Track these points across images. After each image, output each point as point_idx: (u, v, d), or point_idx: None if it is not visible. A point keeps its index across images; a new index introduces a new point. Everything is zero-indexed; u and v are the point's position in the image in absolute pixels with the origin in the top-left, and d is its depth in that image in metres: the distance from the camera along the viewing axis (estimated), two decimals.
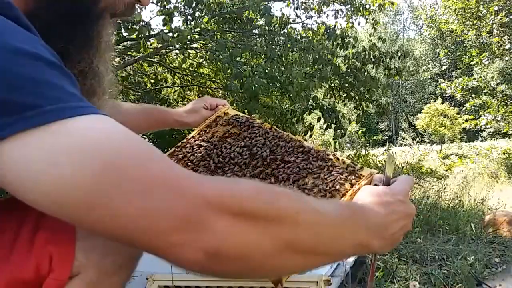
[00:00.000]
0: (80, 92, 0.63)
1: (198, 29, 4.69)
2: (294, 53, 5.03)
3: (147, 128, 1.23)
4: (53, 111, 0.42)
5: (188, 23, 5.10)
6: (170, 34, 4.95)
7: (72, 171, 0.41)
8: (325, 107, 5.27)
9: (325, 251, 0.54)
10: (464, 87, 11.85)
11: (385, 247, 0.63)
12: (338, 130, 5.29)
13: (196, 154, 0.96)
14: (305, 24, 6.16)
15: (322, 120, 5.37)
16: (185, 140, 1.04)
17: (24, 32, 0.46)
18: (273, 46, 4.69)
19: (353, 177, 0.80)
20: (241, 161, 0.90)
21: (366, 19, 6.17)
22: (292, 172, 0.84)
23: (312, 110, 5.45)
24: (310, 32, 6.04)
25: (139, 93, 5.68)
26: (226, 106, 1.14)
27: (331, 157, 0.86)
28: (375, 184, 0.78)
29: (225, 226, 0.44)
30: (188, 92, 6.92)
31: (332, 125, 5.19)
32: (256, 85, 3.95)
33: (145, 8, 4.72)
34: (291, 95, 4.60)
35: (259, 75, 4.22)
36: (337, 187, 0.78)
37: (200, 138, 1.01)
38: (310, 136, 5.71)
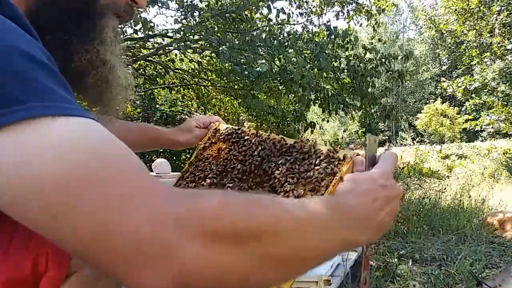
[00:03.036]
0: (93, 81, 0.66)
1: (197, 29, 4.70)
2: (295, 42, 5.04)
3: (142, 147, 1.22)
4: (32, 108, 0.40)
5: (188, 19, 5.11)
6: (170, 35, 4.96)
7: (38, 174, 0.39)
8: (329, 94, 5.26)
9: (310, 256, 0.51)
10: (467, 86, 11.86)
11: (373, 236, 0.61)
12: (348, 108, 5.28)
13: (197, 180, 0.96)
14: (305, 25, 6.19)
15: (320, 120, 5.37)
16: (185, 169, 1.04)
17: (21, 32, 0.46)
18: (273, 40, 4.71)
19: (334, 166, 0.78)
20: (234, 176, 0.91)
21: (368, 19, 6.17)
22: (278, 176, 0.83)
23: (316, 101, 5.42)
24: (311, 33, 6.06)
25: (139, 94, 5.69)
26: (217, 122, 1.12)
27: (310, 148, 0.83)
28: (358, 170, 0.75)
29: (196, 249, 0.40)
30: (187, 91, 6.93)
31: (340, 106, 5.15)
32: (258, 68, 4.00)
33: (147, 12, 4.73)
34: (292, 85, 4.60)
35: (260, 60, 4.26)
36: (320, 183, 0.76)
37: (197, 163, 1.02)
38: (312, 131, 5.70)
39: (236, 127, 1.03)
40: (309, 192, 0.76)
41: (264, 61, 4.24)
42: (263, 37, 4.66)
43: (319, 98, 5.33)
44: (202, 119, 1.18)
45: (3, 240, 0.57)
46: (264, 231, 0.45)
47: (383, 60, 5.50)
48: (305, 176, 0.78)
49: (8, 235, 0.57)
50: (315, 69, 4.99)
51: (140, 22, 4.17)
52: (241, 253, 0.43)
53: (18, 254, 0.56)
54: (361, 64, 5.42)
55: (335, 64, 5.21)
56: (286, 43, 4.83)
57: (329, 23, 5.63)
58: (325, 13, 6.28)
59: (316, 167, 0.79)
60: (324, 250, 0.53)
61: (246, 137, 0.97)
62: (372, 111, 6.24)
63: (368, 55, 5.53)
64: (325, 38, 5.63)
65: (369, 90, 5.51)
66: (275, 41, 4.67)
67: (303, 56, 5.00)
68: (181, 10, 5.12)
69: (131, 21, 3.99)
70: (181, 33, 4.38)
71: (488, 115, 12.20)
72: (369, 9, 6.12)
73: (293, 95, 5.56)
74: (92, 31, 0.65)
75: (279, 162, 0.84)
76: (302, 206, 0.52)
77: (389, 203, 0.63)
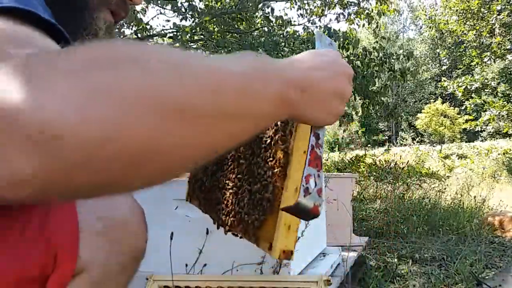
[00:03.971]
0: None
1: (197, 30, 4.70)
2: (292, 47, 5.05)
3: None
4: None
5: (186, 20, 5.12)
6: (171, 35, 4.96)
7: None
8: None
9: (236, 111, 0.42)
10: (468, 86, 11.87)
11: (312, 107, 0.53)
12: (343, 117, 5.29)
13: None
14: (306, 27, 6.20)
15: None
16: None
17: None
18: (272, 41, 4.72)
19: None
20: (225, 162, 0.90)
21: (369, 23, 6.19)
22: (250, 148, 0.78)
23: None
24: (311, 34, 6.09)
25: None
26: None
27: None
28: None
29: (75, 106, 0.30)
30: None
31: None
32: None
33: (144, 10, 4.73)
34: None
35: None
36: (284, 144, 0.68)
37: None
38: None
39: None
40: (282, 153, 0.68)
41: None
42: (261, 41, 4.67)
43: None
44: None
45: (14, 236, 0.57)
46: (166, 78, 0.36)
47: (385, 59, 5.52)
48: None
49: (18, 232, 0.58)
50: None
51: (136, 24, 4.17)
52: (137, 105, 0.33)
53: (27, 253, 0.57)
54: (358, 63, 5.43)
55: None
56: (283, 43, 4.83)
57: (329, 25, 5.67)
58: (326, 15, 6.30)
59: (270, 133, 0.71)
60: (251, 105, 0.44)
61: None
62: (374, 110, 6.25)
63: (372, 54, 5.55)
64: None
65: (373, 88, 5.53)
66: (274, 44, 4.68)
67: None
68: (177, 13, 5.13)
69: (128, 21, 4.00)
70: (179, 37, 4.39)
71: (489, 109, 12.16)
72: (370, 12, 6.14)
73: None
74: (84, 22, 0.66)
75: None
76: (215, 58, 0.45)
77: (334, 77, 0.55)
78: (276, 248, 0.64)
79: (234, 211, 0.80)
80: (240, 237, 0.79)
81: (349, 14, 6.20)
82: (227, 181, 0.84)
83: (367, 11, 6.14)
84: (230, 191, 0.82)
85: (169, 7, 5.03)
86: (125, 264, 0.64)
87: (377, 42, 6.13)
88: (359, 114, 6.53)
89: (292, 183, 0.65)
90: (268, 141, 0.73)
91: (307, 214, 0.54)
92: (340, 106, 0.57)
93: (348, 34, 5.50)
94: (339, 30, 5.49)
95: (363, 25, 6.52)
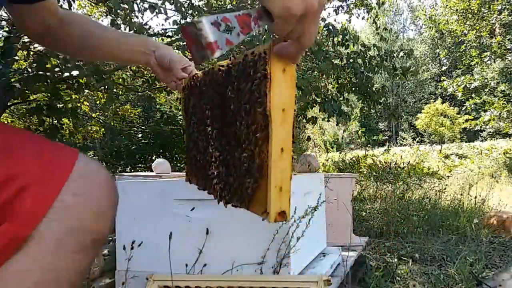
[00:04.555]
0: None
1: None
2: None
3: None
4: None
5: (187, 18, 5.12)
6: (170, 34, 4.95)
7: None
8: (326, 99, 5.26)
9: None
10: (467, 85, 11.86)
11: None
12: (341, 116, 5.26)
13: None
14: None
15: (321, 120, 5.38)
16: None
17: None
18: (271, 38, 4.74)
19: (260, 75, 0.66)
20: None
21: (368, 13, 6.20)
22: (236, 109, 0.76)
23: (314, 105, 5.43)
24: None
25: (139, 93, 5.68)
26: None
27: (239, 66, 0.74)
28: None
29: None
30: None
31: (334, 113, 5.15)
32: None
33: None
34: None
35: None
36: (259, 98, 0.67)
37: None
38: (314, 123, 5.69)
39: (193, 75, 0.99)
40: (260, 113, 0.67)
41: None
42: (262, 39, 4.67)
43: (317, 102, 5.33)
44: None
45: None
46: None
47: (385, 57, 5.50)
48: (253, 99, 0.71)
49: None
50: (315, 72, 4.99)
51: (134, 27, 4.14)
52: None
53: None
54: (359, 61, 5.41)
55: (335, 61, 5.21)
56: None
57: (328, 18, 5.67)
58: (325, 9, 6.32)
59: (250, 90, 0.70)
60: None
61: (202, 84, 0.93)
62: (373, 111, 6.25)
63: (370, 52, 5.54)
64: (324, 36, 5.64)
65: (373, 88, 5.52)
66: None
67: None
68: (179, 13, 5.13)
69: (126, 24, 3.99)
70: (179, 35, 4.40)
71: (489, 109, 12.13)
72: (368, 3, 6.16)
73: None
74: None
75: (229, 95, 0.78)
76: None
77: None
78: (271, 213, 0.63)
79: (228, 183, 0.79)
80: (239, 207, 0.78)
81: (348, 6, 6.22)
82: (217, 154, 0.83)
83: (365, 1, 6.15)
84: (221, 163, 0.82)
85: (170, 7, 5.03)
86: (84, 243, 0.62)
87: (378, 33, 6.08)
88: (359, 114, 6.53)
89: (276, 144, 0.64)
90: (247, 106, 0.71)
91: (201, 45, 0.55)
92: (298, 4, 0.57)
93: (347, 30, 5.49)
94: (334, 20, 5.51)
95: (363, 18, 6.52)
